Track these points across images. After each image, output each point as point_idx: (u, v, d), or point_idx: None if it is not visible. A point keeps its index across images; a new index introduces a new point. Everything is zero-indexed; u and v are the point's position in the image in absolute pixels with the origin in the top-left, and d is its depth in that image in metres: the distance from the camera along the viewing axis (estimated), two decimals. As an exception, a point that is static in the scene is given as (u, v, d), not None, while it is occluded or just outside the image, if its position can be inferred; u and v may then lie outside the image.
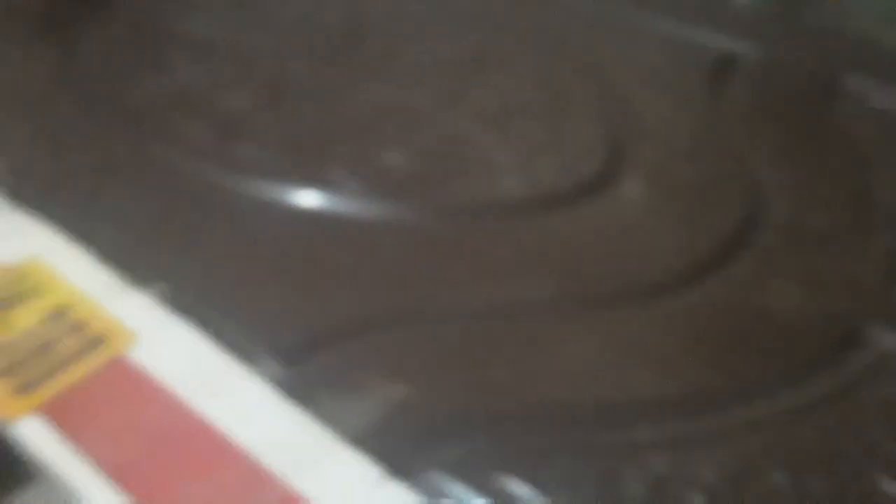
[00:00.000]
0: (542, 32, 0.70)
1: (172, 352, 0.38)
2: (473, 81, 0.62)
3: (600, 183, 0.52)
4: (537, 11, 0.74)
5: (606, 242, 0.48)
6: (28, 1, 0.72)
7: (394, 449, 0.34)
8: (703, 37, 0.69)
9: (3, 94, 0.59)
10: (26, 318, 0.40)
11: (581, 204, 0.50)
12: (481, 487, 0.32)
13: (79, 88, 0.60)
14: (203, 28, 0.70)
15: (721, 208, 0.51)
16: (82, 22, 0.68)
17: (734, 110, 0.61)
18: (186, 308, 0.41)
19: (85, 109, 0.58)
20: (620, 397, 0.37)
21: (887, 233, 0.48)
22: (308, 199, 0.50)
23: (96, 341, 0.39)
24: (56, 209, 0.47)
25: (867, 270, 0.45)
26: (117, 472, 0.33)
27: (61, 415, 0.35)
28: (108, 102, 0.59)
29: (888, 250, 0.46)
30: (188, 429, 0.35)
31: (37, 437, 0.35)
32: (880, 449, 0.35)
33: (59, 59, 0.63)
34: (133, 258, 0.44)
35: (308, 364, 0.38)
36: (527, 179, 0.52)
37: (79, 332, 0.39)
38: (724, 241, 0.48)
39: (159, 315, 0.40)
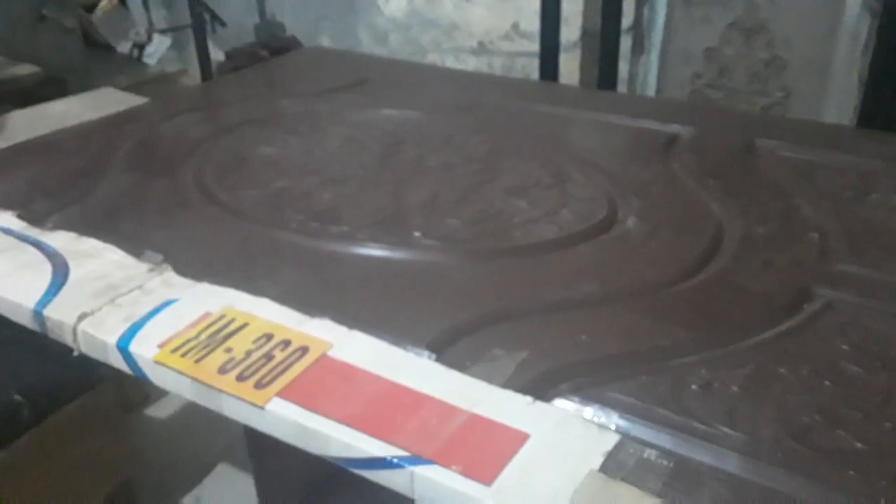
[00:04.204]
0: (536, 132, 0.89)
1: (358, 350, 0.52)
2: (495, 169, 0.79)
3: (607, 224, 0.68)
4: (530, 119, 0.93)
5: (621, 260, 0.63)
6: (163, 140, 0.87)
7: (528, 388, 0.48)
8: (651, 125, 0.88)
9: (149, 207, 0.73)
10: (243, 344, 0.53)
11: (599, 237, 0.66)
12: (585, 401, 0.47)
13: (203, 199, 0.74)
14: (275, 152, 0.85)
15: (694, 231, 0.67)
16: (198, 153, 0.83)
17: (684, 170, 0.79)
18: (353, 324, 0.54)
19: (211, 213, 0.72)
20: (662, 343, 0.52)
21: (812, 231, 0.65)
22: (401, 255, 0.65)
23: (303, 350, 0.52)
24: (225, 280, 0.60)
25: (805, 256, 0.62)
26: (353, 421, 0.46)
27: (297, 395, 0.48)
28: (227, 207, 0.73)
29: (816, 243, 0.64)
30: (388, 390, 0.48)
31: (284, 411, 0.47)
32: (826, 357, 0.51)
33: (184, 180, 0.77)
34: (300, 302, 0.57)
35: (447, 351, 0.52)
36: (555, 227, 0.68)
37: (287, 348, 0.52)
38: (701, 252, 0.64)
39: (338, 330, 0.54)
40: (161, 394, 1.10)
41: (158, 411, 1.10)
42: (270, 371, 0.50)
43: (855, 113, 1.35)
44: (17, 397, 0.86)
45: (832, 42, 1.41)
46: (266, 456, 0.93)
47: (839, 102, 1.41)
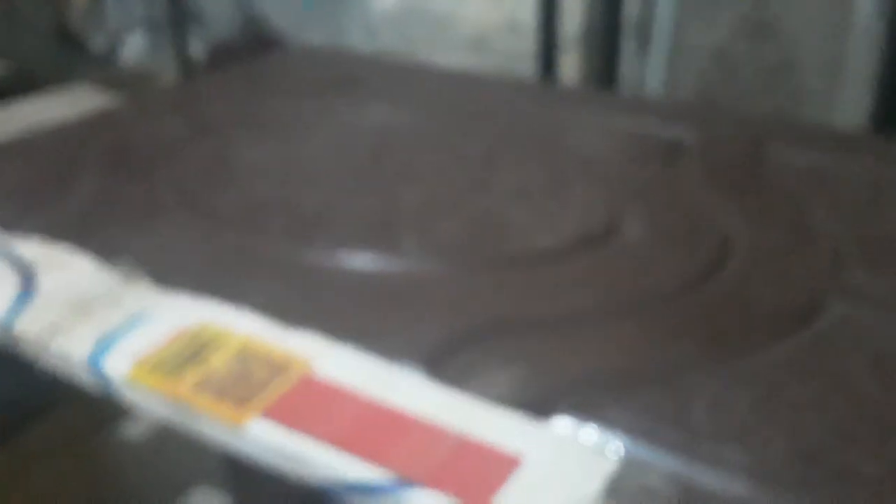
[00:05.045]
0: (533, 134, 0.89)
1: (344, 366, 0.51)
2: (491, 172, 0.79)
3: (608, 232, 0.68)
4: (527, 120, 0.93)
5: (622, 271, 0.63)
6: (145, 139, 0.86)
7: (524, 407, 0.48)
8: (655, 127, 0.88)
9: (125, 214, 0.72)
10: (221, 360, 0.53)
11: (599, 247, 0.66)
12: (585, 420, 0.46)
13: (181, 205, 0.74)
14: (258, 156, 0.85)
15: (699, 240, 0.67)
16: (176, 157, 0.83)
17: (689, 176, 0.79)
18: (338, 338, 0.54)
19: (189, 220, 0.72)
20: (667, 359, 0.52)
21: (824, 242, 0.65)
22: (391, 264, 0.64)
23: (283, 367, 0.52)
24: (204, 291, 0.60)
25: (816, 266, 0.62)
26: (338, 443, 0.45)
27: (279, 415, 0.48)
28: (206, 214, 0.72)
29: (829, 253, 0.64)
30: (376, 409, 0.48)
31: (265, 432, 0.47)
32: (840, 373, 0.51)
33: (162, 185, 0.77)
34: (282, 314, 0.57)
35: (438, 367, 0.52)
36: (553, 234, 0.68)
37: (266, 363, 0.52)
38: (707, 262, 0.64)
39: (323, 345, 0.53)
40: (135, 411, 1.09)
41: (133, 430, 1.09)
42: (251, 389, 0.50)
43: (868, 115, 1.35)
44: (-18, 415, 0.86)
45: (844, 42, 1.41)
46: (246, 478, 0.93)
47: (852, 105, 1.41)
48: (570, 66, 1.71)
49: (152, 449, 1.08)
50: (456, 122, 0.92)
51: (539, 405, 0.48)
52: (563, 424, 0.46)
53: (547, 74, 1.50)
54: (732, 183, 0.76)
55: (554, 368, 0.51)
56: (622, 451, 0.44)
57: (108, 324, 0.56)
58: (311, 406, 0.48)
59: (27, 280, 0.62)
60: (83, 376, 0.54)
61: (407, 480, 0.43)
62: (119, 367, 0.52)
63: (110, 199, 0.75)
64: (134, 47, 1.99)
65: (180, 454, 1.04)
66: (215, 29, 2.12)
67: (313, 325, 0.55)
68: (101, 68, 1.89)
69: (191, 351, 0.53)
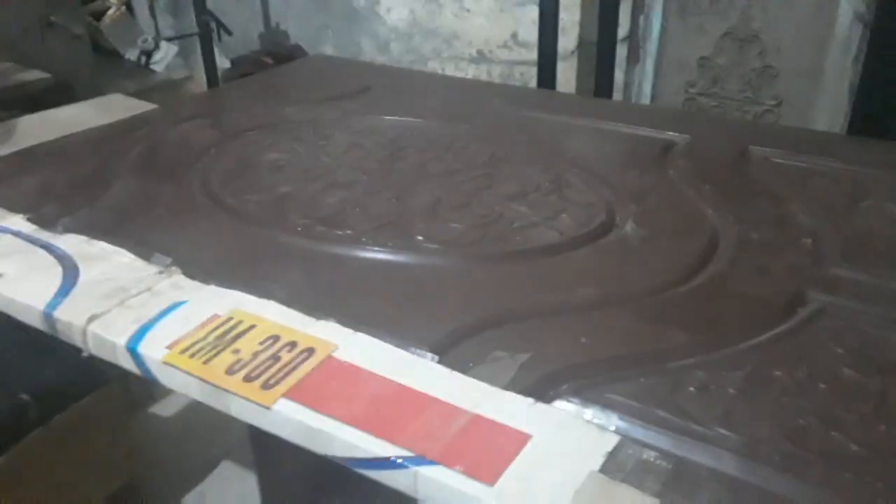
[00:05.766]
0: (535, 139, 0.89)
1: (363, 351, 0.52)
2: (496, 175, 0.79)
3: (606, 229, 0.68)
4: (529, 126, 0.93)
5: (619, 265, 0.63)
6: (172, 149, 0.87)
7: (529, 389, 0.48)
8: (648, 132, 0.88)
9: (158, 211, 0.73)
10: (249, 345, 0.53)
11: (597, 242, 0.66)
12: (586, 402, 0.46)
13: (210, 203, 0.74)
14: (280, 157, 0.85)
15: (690, 236, 0.67)
16: (205, 158, 0.83)
17: (680, 176, 0.79)
18: (357, 326, 0.54)
19: (218, 216, 0.72)
20: (660, 346, 0.52)
21: (806, 237, 0.65)
22: (404, 258, 0.64)
23: (309, 352, 0.52)
24: (232, 282, 0.60)
25: (799, 260, 0.62)
26: (356, 422, 0.46)
27: (303, 396, 0.48)
28: (234, 210, 0.73)
29: (810, 247, 0.64)
30: (392, 390, 0.48)
31: (290, 411, 0.47)
32: (821, 360, 0.51)
33: (192, 185, 0.77)
34: (305, 304, 0.57)
35: (449, 353, 0.52)
36: (555, 231, 0.68)
37: (293, 349, 0.52)
38: (698, 256, 0.64)
39: (343, 332, 0.54)
40: (166, 392, 1.10)
41: (163, 410, 1.10)
42: (277, 372, 0.50)
43: (845, 120, 1.35)
44: (24, 397, 0.86)
45: (823, 51, 1.41)
46: (270, 454, 0.93)
47: (830, 110, 1.41)
48: (567, 75, 1.71)
49: (184, 427, 1.08)
50: (463, 128, 0.92)
51: (543, 389, 0.48)
52: (565, 406, 0.47)
53: (546, 83, 1.50)
54: (720, 182, 0.76)
55: (557, 355, 0.51)
56: (621, 431, 0.45)
57: (145, 312, 0.57)
58: (334, 388, 0.49)
59: (69, 271, 0.62)
60: (122, 360, 0.54)
61: (422, 457, 0.43)
62: (155, 352, 0.53)
63: (145, 198, 0.76)
64: (165, 58, 1.99)
65: (211, 432, 1.04)
66: (240, 41, 2.12)
67: (334, 313, 0.55)
68: (134, 78, 1.89)
69: (222, 337, 0.54)
